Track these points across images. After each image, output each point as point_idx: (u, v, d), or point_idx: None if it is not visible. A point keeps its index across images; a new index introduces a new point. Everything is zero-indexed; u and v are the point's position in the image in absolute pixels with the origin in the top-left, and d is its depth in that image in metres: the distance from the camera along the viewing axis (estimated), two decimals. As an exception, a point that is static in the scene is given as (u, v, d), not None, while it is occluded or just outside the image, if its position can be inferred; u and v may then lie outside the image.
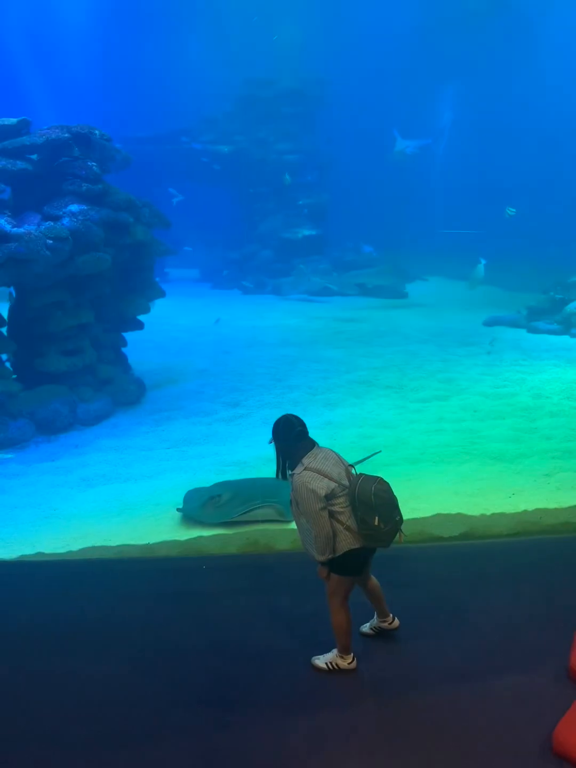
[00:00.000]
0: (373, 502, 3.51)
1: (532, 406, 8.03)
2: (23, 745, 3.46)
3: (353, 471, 3.74)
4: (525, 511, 5.53)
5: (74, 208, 8.07)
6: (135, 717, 3.63)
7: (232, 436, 7.91)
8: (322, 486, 3.54)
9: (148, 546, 5.53)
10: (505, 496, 5.80)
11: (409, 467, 6.56)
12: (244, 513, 5.56)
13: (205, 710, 3.66)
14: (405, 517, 5.69)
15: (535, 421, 7.51)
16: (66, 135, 8.18)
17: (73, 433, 8.17)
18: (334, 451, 3.81)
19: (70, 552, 5.51)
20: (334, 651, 3.91)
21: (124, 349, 9.81)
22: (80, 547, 5.54)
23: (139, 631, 4.40)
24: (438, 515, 5.59)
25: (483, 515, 5.53)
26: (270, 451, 7.39)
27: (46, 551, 5.52)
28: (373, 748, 3.35)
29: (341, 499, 3.60)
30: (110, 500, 6.36)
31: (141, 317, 9.77)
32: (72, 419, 8.29)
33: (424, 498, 5.86)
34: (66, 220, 7.96)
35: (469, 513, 5.57)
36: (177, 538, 5.58)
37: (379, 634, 4.16)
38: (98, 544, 5.58)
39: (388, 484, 3.65)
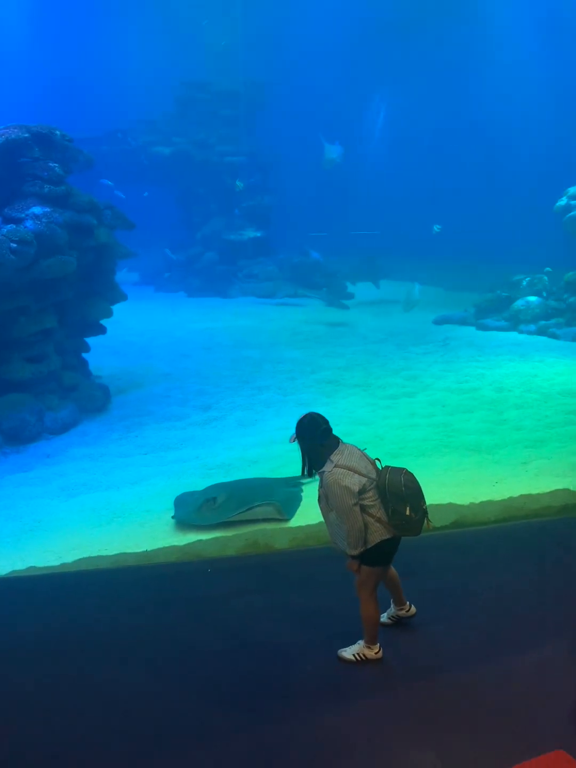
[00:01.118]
0: (403, 492, 3.65)
1: (497, 399, 8.44)
2: (65, 757, 3.38)
3: (378, 465, 3.86)
4: (511, 498, 5.84)
5: (37, 210, 7.82)
6: (170, 722, 3.61)
7: (210, 439, 7.87)
8: (354, 482, 3.64)
9: (146, 553, 5.45)
10: (489, 484, 6.09)
11: (391, 462, 6.59)
12: (243, 512, 5.58)
13: (239, 709, 3.68)
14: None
15: (503, 414, 7.90)
16: (25, 135, 7.91)
17: (41, 443, 7.90)
18: (357, 447, 3.92)
19: (65, 564, 5.35)
20: (360, 642, 4.02)
21: (84, 355, 9.57)
22: (74, 558, 5.40)
23: (155, 637, 4.35)
24: (429, 506, 5.78)
25: (472, 504, 5.79)
26: (253, 452, 7.52)
27: (38, 565, 5.35)
28: (414, 731, 3.47)
29: (370, 493, 3.71)
30: (97, 509, 6.21)
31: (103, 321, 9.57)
32: (40, 428, 8.02)
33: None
34: (29, 223, 7.70)
35: (459, 502, 5.82)
36: (175, 544, 5.53)
37: (397, 622, 4.30)
38: (93, 554, 5.45)
39: (413, 474, 3.80)
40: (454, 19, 18.63)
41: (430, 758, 3.31)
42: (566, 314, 11.94)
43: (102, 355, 10.65)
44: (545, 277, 12.86)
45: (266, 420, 8.40)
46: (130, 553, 5.45)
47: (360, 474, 3.69)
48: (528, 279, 13.03)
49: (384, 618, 4.29)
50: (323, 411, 9.20)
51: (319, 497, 3.85)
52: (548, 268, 13.33)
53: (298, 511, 5.87)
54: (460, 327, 13.12)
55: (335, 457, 3.72)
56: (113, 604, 4.80)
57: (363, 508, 3.68)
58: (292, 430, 8.59)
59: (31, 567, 5.32)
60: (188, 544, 5.51)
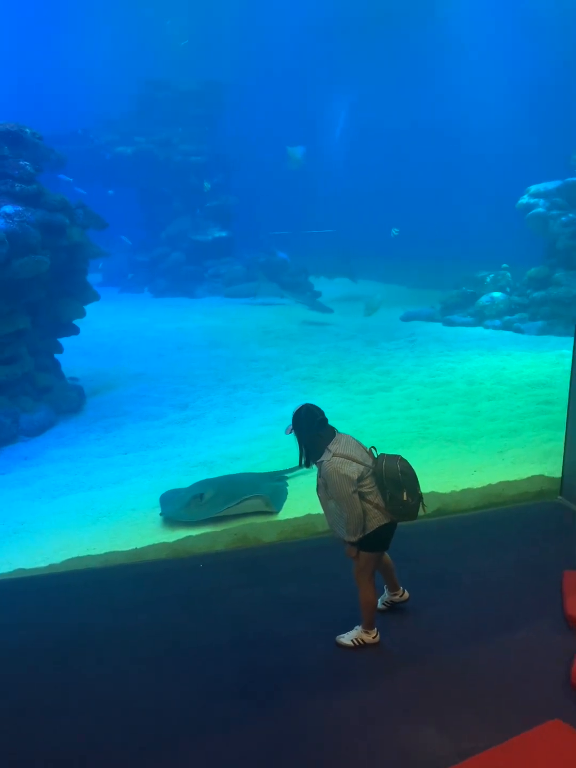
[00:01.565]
0: (400, 479, 3.77)
1: (470, 392, 8.69)
2: (70, 760, 3.39)
3: (374, 453, 3.98)
4: (489, 485, 6.04)
5: (8, 209, 7.69)
6: (175, 717, 3.65)
7: (190, 437, 7.88)
8: (353, 470, 3.75)
9: (135, 551, 5.45)
10: (468, 473, 6.29)
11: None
12: (232, 506, 5.63)
13: (245, 700, 3.75)
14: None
15: (476, 405, 8.14)
16: (-6, 133, 7.78)
17: (18, 445, 7.79)
18: (352, 437, 4.03)
19: (53, 565, 5.31)
20: (358, 628, 4.14)
21: (56, 356, 9.44)
22: (63, 558, 5.36)
23: (152, 635, 4.38)
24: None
25: (453, 492, 5.97)
26: (235, 449, 7.56)
27: (26, 567, 5.29)
28: (416, 710, 3.61)
29: (368, 480, 3.83)
30: (82, 509, 6.17)
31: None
32: (15, 430, 7.91)
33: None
34: (1, 222, 7.57)
35: (440, 491, 6.00)
36: (164, 541, 5.54)
37: (391, 608, 4.44)
38: (81, 554, 5.42)
39: (407, 461, 3.93)
40: (415, 18, 18.91)
41: (432, 734, 3.44)
42: (529, 309, 12.34)
43: (73, 356, 10.49)
44: (508, 274, 13.26)
45: (245, 417, 8.46)
46: (119, 552, 5.44)
47: (357, 462, 3.80)
48: (492, 275, 13.41)
49: (378, 604, 4.41)
50: (301, 407, 9.25)
51: (318, 486, 3.94)
52: (505, 265, 13.72)
53: (284, 505, 5.95)
54: (427, 323, 13.40)
55: (333, 447, 3.82)
56: (106, 603, 4.79)
57: (361, 496, 3.79)
58: (272, 427, 8.67)
59: (19, 569, 5.25)
60: (178, 541, 5.53)
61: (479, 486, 6.06)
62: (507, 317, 12.44)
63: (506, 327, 12.29)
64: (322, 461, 3.82)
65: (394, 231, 16.59)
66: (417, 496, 3.85)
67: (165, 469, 7.03)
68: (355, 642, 4.10)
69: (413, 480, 3.85)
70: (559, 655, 3.93)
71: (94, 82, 22.18)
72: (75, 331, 9.50)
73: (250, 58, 21.37)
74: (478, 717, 3.53)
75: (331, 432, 3.91)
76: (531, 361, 9.99)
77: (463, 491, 5.98)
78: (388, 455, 3.91)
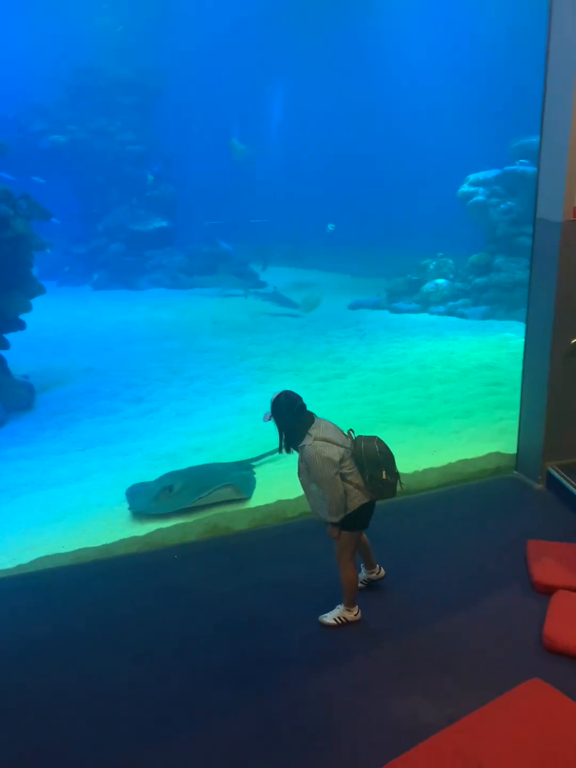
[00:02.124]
0: (379, 458, 3.91)
1: (422, 376, 8.97)
2: (68, 759, 3.37)
3: (353, 435, 4.09)
4: (449, 464, 6.29)
5: (-51, 199, 7.35)
6: (170, 707, 3.66)
7: (149, 430, 7.80)
8: (335, 452, 3.85)
9: (106, 546, 5.38)
10: (428, 453, 6.52)
11: None
12: (204, 497, 5.64)
13: (237, 685, 3.80)
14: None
15: (430, 389, 8.42)
16: None
17: (-32, 446, 7.51)
18: (329, 421, 4.13)
19: (21, 565, 5.19)
20: (339, 607, 4.26)
21: (2, 353, 9.11)
22: (30, 558, 5.24)
23: (135, 628, 4.36)
24: (377, 477, 6.15)
25: (416, 472, 6.19)
26: (197, 441, 7.55)
27: (-8, 568, 5.16)
28: (401, 681, 3.76)
29: (348, 462, 3.94)
30: (46, 507, 6.03)
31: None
32: (-36, 431, 7.61)
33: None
34: None
35: (403, 471, 6.17)
36: (135, 534, 5.50)
37: (369, 585, 4.59)
38: (50, 552, 5.32)
39: (384, 442, 4.07)
40: (357, 7, 18.96)
41: (420, 702, 3.61)
42: (472, 294, 12.80)
43: (18, 351, 10.15)
44: (450, 261, 13.70)
45: (203, 408, 8.44)
46: (90, 548, 5.36)
47: (337, 445, 3.91)
48: (435, 263, 13.81)
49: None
50: (260, 397, 9.44)
51: (300, 471, 4.02)
52: (440, 254, 14.12)
53: (254, 492, 6.01)
54: (374, 311, 13.68)
55: (313, 431, 3.91)
56: (82, 600, 4.73)
57: (342, 477, 3.90)
58: (232, 417, 8.68)
59: (-16, 571, 5.11)
60: (149, 534, 5.50)
61: (440, 465, 6.30)
62: (451, 303, 12.87)
63: (451, 312, 12.71)
64: (304, 445, 3.90)
65: (330, 226, 16.85)
66: (395, 474, 4.00)
67: (127, 463, 6.94)
68: (338, 620, 4.22)
69: (390, 459, 4.00)
70: (529, 618, 4.18)
71: (24, 68, 21.23)
72: (21, 326, 9.20)
73: (186, 45, 20.98)
74: (461, 682, 3.72)
75: (311, 417, 4.00)
76: (477, 345, 10.40)
77: (425, 471, 6.21)
78: (365, 437, 4.04)
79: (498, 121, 14.65)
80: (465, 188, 13.21)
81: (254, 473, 6.40)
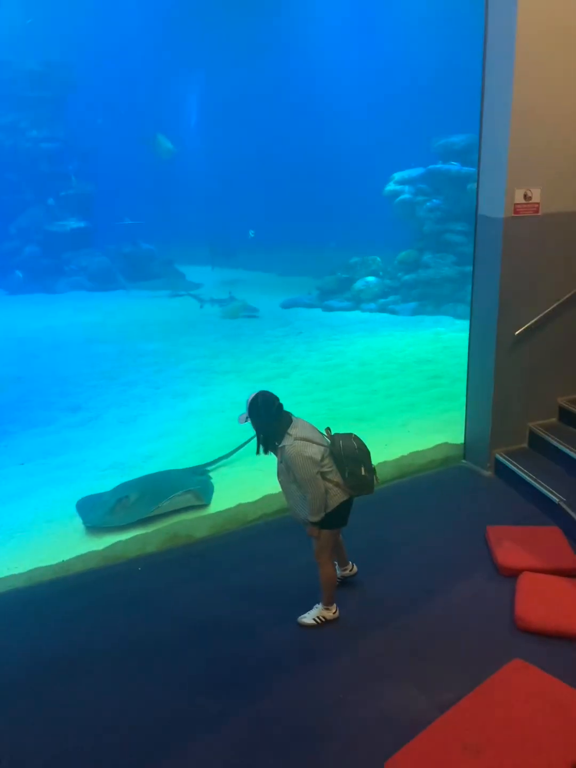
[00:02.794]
0: (357, 455, 3.94)
1: (363, 373, 9.11)
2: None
3: (330, 433, 4.09)
4: (401, 456, 6.42)
5: None
6: (160, 719, 3.54)
7: (92, 440, 7.48)
8: (316, 451, 3.84)
9: (63, 563, 5.11)
10: (381, 447, 6.62)
11: None
12: (164, 505, 5.46)
13: (223, 692, 3.72)
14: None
15: (372, 384, 8.57)
16: None
17: None
18: (305, 420, 4.10)
19: (-30, 591, 4.84)
20: (318, 607, 4.26)
21: None
22: (-21, 583, 4.90)
23: (106, 645, 4.18)
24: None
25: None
26: (145, 448, 7.33)
27: None
28: (391, 674, 3.80)
29: (327, 460, 3.94)
30: (-12, 528, 5.66)
31: None
32: None
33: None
34: None
35: (360, 468, 6.26)
36: (93, 549, 5.26)
37: (342, 582, 4.60)
38: (2, 575, 4.99)
39: (360, 438, 4.09)
40: (279, 1, 18.80)
41: (409, 693, 3.66)
42: (401, 291, 13.14)
43: None
44: (378, 258, 14.00)
45: (146, 414, 8.19)
46: (45, 567, 5.07)
47: (317, 444, 3.90)
48: (363, 260, 14.07)
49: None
50: (202, 400, 9.24)
51: (279, 471, 3.98)
52: (355, 259, 14.36)
53: (212, 498, 5.89)
54: (307, 309, 13.77)
55: (292, 431, 3.88)
56: (44, 620, 4.48)
57: (322, 475, 3.89)
58: (178, 422, 8.49)
59: None
60: (107, 548, 5.26)
61: (393, 458, 6.42)
62: (381, 300, 13.17)
63: (382, 309, 12.99)
64: (284, 446, 3.86)
65: (251, 233, 16.92)
66: (371, 470, 4.04)
67: (73, 475, 6.63)
68: (318, 620, 4.21)
69: (367, 455, 4.04)
70: (498, 601, 4.34)
71: None
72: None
73: (101, 38, 20.24)
74: (445, 669, 3.81)
75: (288, 417, 3.96)
76: (411, 340, 10.68)
77: (380, 464, 6.28)
78: (342, 434, 4.05)
79: (420, 120, 15.04)
80: (391, 187, 13.55)
81: (210, 478, 6.27)
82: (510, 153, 5.45)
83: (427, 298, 12.60)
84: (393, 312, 12.83)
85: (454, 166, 12.42)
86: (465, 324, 11.86)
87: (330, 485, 3.92)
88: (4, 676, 3.94)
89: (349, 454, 3.92)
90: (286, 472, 3.92)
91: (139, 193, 21.66)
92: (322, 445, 3.95)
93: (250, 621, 4.31)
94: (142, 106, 21.18)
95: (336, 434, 4.06)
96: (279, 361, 9.93)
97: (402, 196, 13.17)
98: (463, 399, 7.78)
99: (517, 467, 5.98)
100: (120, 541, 5.33)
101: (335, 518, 4.01)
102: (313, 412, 7.68)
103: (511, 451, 6.28)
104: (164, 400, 8.63)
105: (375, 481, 4.12)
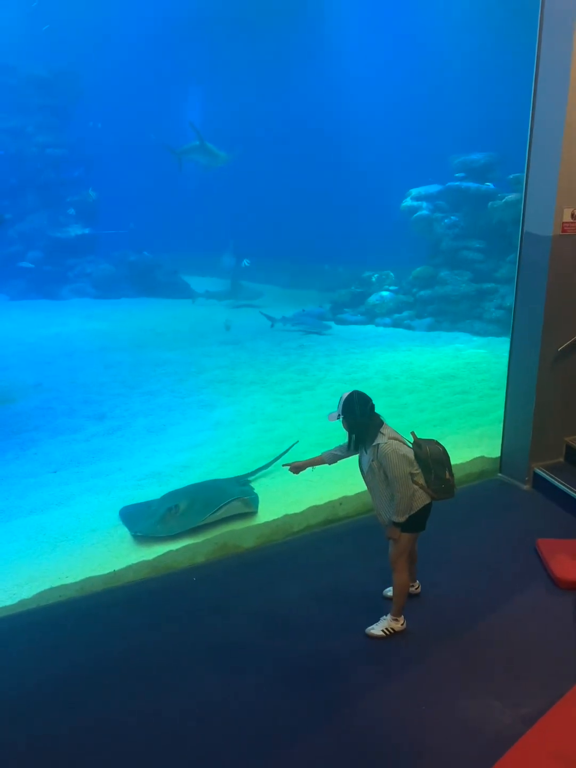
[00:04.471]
0: (443, 459, 4.05)
1: (390, 387, 9.16)
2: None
3: (415, 438, 4.17)
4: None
5: None
6: (239, 733, 3.51)
7: (123, 449, 7.41)
8: (410, 451, 3.96)
9: (114, 573, 5.05)
10: (419, 461, 6.67)
11: (328, 447, 7.04)
12: (216, 513, 5.44)
13: (303, 703, 3.70)
14: (350, 493, 6.29)
15: (401, 398, 8.61)
16: None
17: None
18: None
19: (23, 600, 4.75)
20: (386, 617, 4.27)
21: None
22: (32, 593, 4.81)
23: (169, 656, 4.14)
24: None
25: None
26: (181, 458, 7.29)
27: (-11, 606, 4.68)
28: (468, 686, 3.81)
29: (414, 463, 4.02)
30: (32, 536, 5.56)
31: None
32: None
33: (357, 475, 6.41)
34: None
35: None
36: (144, 559, 5.20)
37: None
38: (53, 584, 4.91)
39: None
40: (288, 7, 18.81)
41: (491, 705, 3.67)
42: (416, 307, 13.26)
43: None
44: (391, 273, 14.14)
45: (175, 425, 8.14)
46: (96, 577, 5.00)
47: (407, 446, 3.96)
48: (377, 275, 14.20)
49: (390, 592, 4.56)
50: (231, 411, 9.23)
51: (369, 470, 4.02)
52: (368, 273, 14.39)
53: (258, 507, 5.87)
54: (320, 322, 13.79)
55: (386, 431, 3.97)
56: (104, 631, 4.42)
57: (410, 477, 3.94)
58: (210, 433, 8.45)
59: (-19, 610, 4.64)
60: (157, 558, 5.22)
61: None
62: (396, 315, 13.27)
63: (396, 324, 13.09)
64: (379, 444, 3.93)
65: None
66: (452, 474, 4.12)
67: (110, 484, 6.55)
68: (386, 631, 4.22)
69: (449, 460, 4.12)
70: (561, 613, 4.39)
71: None
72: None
73: (109, 47, 20.29)
74: (521, 681, 3.83)
75: (379, 418, 4.01)
76: (433, 356, 10.77)
77: (419, 477, 6.33)
78: (425, 439, 4.15)
79: (438, 136, 15.22)
80: (408, 202, 13.70)
81: (253, 489, 6.25)
82: (560, 173, 5.58)
83: (443, 315, 12.72)
84: (408, 327, 12.93)
85: (472, 184, 12.53)
86: (483, 340, 12.12)
87: (416, 487, 4.00)
88: (57, 683, 3.89)
89: (436, 458, 4.01)
90: (377, 470, 3.97)
91: (143, 202, 21.67)
92: (411, 448, 4.00)
93: (316, 631, 4.31)
94: (148, 114, 21.20)
95: (419, 439, 4.13)
96: (302, 374, 9.94)
97: (420, 212, 13.32)
98: (493, 415, 7.90)
99: (558, 481, 6.06)
100: (170, 551, 5.29)
101: (417, 521, 4.08)
102: (346, 424, 7.72)
103: (549, 465, 6.37)
104: (192, 410, 8.58)
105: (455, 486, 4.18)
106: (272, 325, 13.32)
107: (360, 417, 3.95)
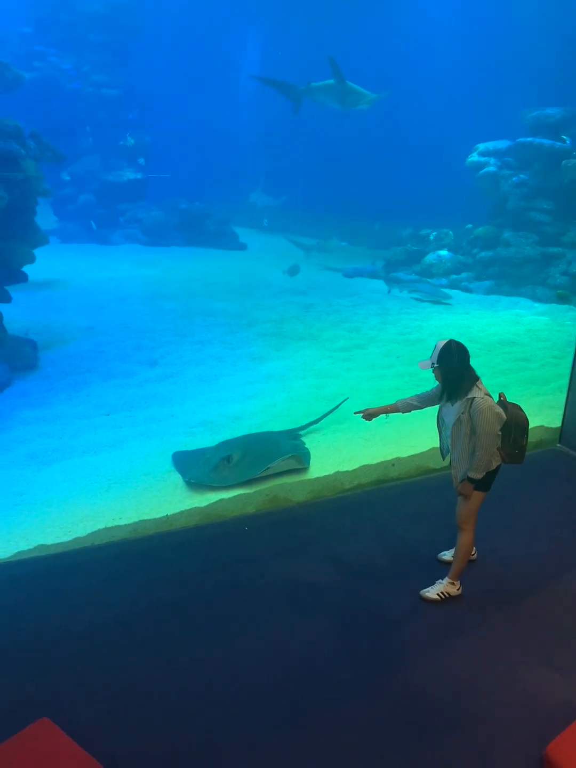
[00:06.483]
0: (524, 425, 3.95)
1: (446, 349, 8.88)
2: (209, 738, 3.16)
3: (504, 399, 4.07)
4: (499, 438, 6.26)
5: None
6: (290, 688, 3.51)
7: (176, 396, 7.41)
8: (502, 412, 3.83)
9: (166, 518, 5.09)
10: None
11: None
12: (271, 466, 5.40)
13: (357, 663, 3.68)
14: (402, 454, 6.15)
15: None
16: None
17: (-23, 406, 6.92)
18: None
19: (78, 538, 4.84)
20: (442, 581, 4.19)
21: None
22: (87, 531, 4.89)
23: (224, 605, 4.16)
24: (431, 449, 6.07)
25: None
26: (232, 408, 7.23)
27: (47, 542, 4.77)
28: (527, 654, 3.73)
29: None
30: (87, 476, 5.63)
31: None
32: (-27, 390, 7.01)
33: (412, 436, 6.29)
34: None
35: (457, 446, 6.12)
36: (196, 505, 5.23)
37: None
38: (107, 524, 4.97)
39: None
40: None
41: (550, 676, 3.59)
42: (475, 268, 12.76)
43: (4, 305, 9.46)
44: (451, 232, 13.59)
45: (226, 375, 8.09)
46: (149, 520, 5.05)
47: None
48: (435, 233, 13.68)
49: (448, 556, 4.47)
50: (281, 365, 9.10)
51: (458, 421, 3.87)
52: (426, 230, 13.80)
53: (309, 463, 5.81)
54: (371, 280, 13.47)
55: (481, 387, 3.86)
56: (159, 575, 4.46)
57: (498, 437, 3.85)
58: (260, 385, 8.37)
59: (40, 545, 4.72)
60: (209, 505, 5.24)
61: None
62: (453, 276, 12.81)
63: (453, 286, 12.63)
64: (475, 398, 3.80)
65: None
66: (527, 442, 4.02)
67: (162, 430, 6.57)
68: (441, 596, 4.15)
69: (528, 428, 4.00)
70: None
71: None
72: (24, 278, 8.51)
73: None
74: (581, 657, 3.72)
75: (475, 372, 3.90)
76: (491, 320, 10.39)
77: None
78: (512, 403, 4.03)
79: (510, 89, 14.34)
80: (474, 157, 13.01)
81: (304, 443, 6.18)
82: None
83: (503, 278, 12.19)
84: (466, 289, 12.45)
85: (546, 140, 11.74)
86: (545, 307, 11.62)
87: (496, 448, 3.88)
88: (118, 623, 3.94)
89: (519, 423, 3.90)
90: (468, 423, 3.83)
91: (197, 150, 21.24)
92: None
93: (369, 591, 4.27)
94: (205, 56, 20.54)
95: (508, 402, 3.96)
96: (354, 332, 9.73)
97: (486, 169, 12.64)
98: (555, 384, 7.61)
99: (625, 456, 5.81)
100: (222, 500, 5.29)
101: (489, 481, 3.97)
102: (397, 386, 7.55)
103: (613, 438, 6.12)
104: (243, 362, 8.51)
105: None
106: (389, 291, 12.44)
107: (459, 365, 3.82)
